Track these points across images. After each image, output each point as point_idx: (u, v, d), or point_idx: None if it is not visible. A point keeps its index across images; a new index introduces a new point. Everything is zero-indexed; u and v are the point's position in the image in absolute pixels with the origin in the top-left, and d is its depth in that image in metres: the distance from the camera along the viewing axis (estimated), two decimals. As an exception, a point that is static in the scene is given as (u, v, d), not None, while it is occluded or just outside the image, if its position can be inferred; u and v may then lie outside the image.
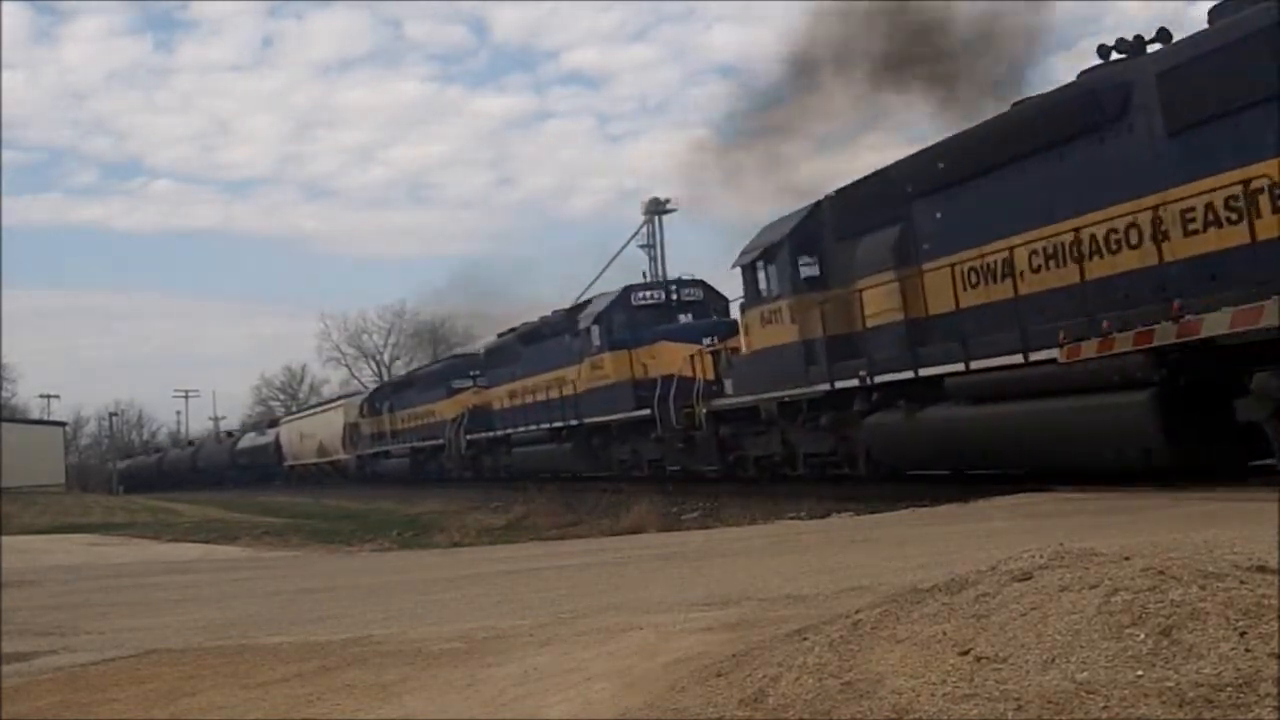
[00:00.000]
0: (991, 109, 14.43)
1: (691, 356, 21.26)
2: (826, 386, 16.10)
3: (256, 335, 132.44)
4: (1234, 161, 9.99)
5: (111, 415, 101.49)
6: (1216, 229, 10.25)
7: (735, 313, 24.25)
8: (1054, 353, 11.48)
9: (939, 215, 14.15)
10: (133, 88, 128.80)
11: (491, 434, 32.88)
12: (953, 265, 13.63)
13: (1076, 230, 11.77)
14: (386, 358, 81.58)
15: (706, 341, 21.81)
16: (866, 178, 16.02)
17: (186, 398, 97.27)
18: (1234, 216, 10.03)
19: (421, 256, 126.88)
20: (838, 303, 16.03)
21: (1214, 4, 10.99)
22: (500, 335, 34.22)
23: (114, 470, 77.94)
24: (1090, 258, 11.68)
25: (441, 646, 5.59)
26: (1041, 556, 3.78)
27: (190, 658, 6.00)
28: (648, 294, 25.51)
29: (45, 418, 75.56)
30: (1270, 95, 9.63)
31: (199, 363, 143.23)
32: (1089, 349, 11.15)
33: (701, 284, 25.46)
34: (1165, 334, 10.25)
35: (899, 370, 14.48)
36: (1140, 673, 2.94)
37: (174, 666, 5.75)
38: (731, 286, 23.70)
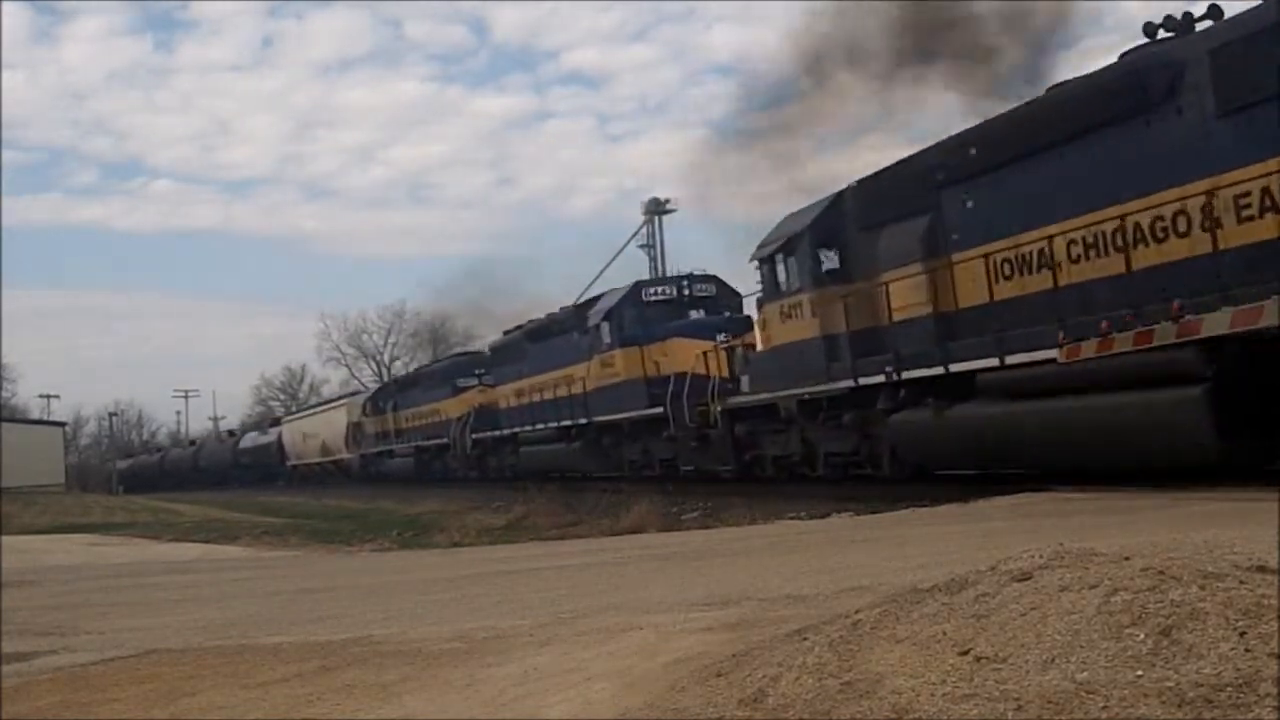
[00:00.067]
0: (1018, 93, 14.04)
1: (705, 353, 20.84)
2: (850, 383, 15.52)
3: (256, 335, 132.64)
4: None
5: (111, 415, 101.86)
6: (1275, 215, 9.74)
7: (748, 308, 23.94)
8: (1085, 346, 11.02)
9: (970, 204, 13.57)
10: (133, 88, 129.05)
11: (498, 433, 32.49)
12: (986, 256, 13.05)
13: (1122, 218, 11.21)
14: (386, 358, 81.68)
15: (720, 338, 21.38)
16: (891, 166, 15.46)
17: (186, 398, 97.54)
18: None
19: (421, 256, 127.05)
20: (862, 296, 15.43)
21: None
22: (506, 333, 33.77)
23: (114, 470, 77.97)
24: (1135, 247, 11.14)
25: (441, 646, 5.59)
26: (1041, 556, 3.78)
27: (190, 658, 6.00)
28: (659, 290, 25.00)
29: (45, 418, 75.66)
30: None
31: (199, 363, 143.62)
32: (1089, 349, 11.14)
33: (714, 279, 24.94)
34: (1165, 334, 10.23)
35: (928, 366, 13.88)
36: (1140, 673, 2.94)
37: (174, 666, 5.75)
38: (738, 284, 23.63)
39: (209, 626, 7.30)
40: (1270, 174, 9.72)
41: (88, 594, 10.67)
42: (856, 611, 3.95)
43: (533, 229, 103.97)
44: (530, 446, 29.93)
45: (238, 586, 10.73)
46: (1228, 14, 10.93)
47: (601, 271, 50.76)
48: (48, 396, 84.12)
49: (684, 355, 21.91)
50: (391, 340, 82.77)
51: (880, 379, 14.81)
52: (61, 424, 75.05)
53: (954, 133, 14.36)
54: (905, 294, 14.50)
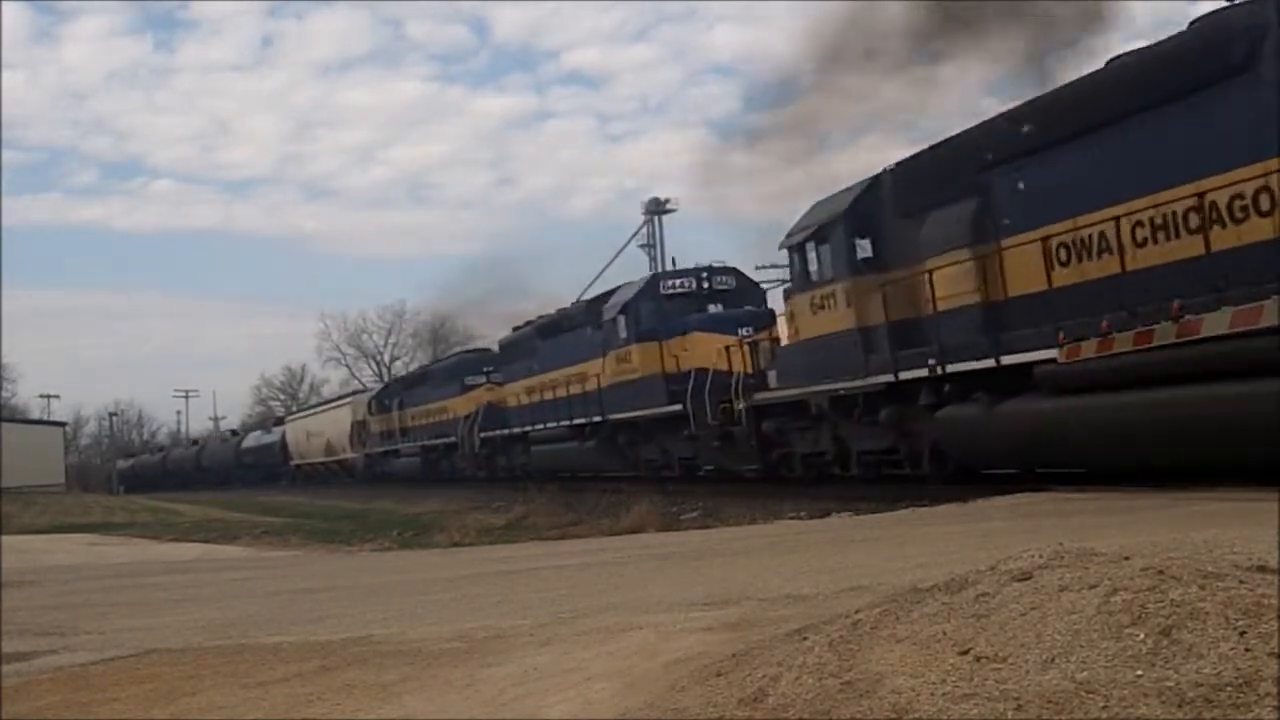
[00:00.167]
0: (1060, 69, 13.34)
1: (728, 348, 20.02)
2: (889, 377, 14.61)
3: (256, 335, 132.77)
4: None
5: (111, 415, 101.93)
6: None
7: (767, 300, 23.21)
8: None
9: (1022, 185, 12.67)
10: (133, 88, 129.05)
11: (507, 432, 31.77)
12: (1043, 240, 12.14)
13: (1200, 196, 10.32)
14: (386, 358, 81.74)
15: (743, 332, 20.51)
16: (933, 147, 14.64)
17: (186, 398, 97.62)
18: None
19: (421, 256, 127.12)
20: (901, 285, 14.55)
21: None
22: (516, 329, 32.87)
23: (114, 470, 77.96)
24: (1212, 228, 10.26)
25: (441, 646, 5.59)
26: (1041, 556, 3.78)
27: (190, 657, 6.00)
28: (677, 282, 23.71)
29: (45, 418, 75.74)
30: None
31: (199, 363, 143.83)
32: (1089, 349, 11.12)
33: (734, 271, 24.02)
34: (1165, 334, 10.22)
35: (977, 358, 12.96)
36: (1140, 672, 2.94)
37: (174, 666, 5.75)
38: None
39: (209, 626, 7.30)
40: None
41: (88, 594, 10.67)
42: (856, 611, 3.95)
43: (533, 229, 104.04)
44: (542, 446, 29.21)
45: (238, 586, 10.73)
46: None
47: (602, 271, 50.88)
48: (48, 396, 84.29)
49: (705, 350, 21.05)
50: (391, 340, 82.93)
51: (923, 372, 13.98)
52: (61, 424, 75.19)
53: (1001, 111, 13.56)
54: (950, 282, 13.55)
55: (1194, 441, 10.20)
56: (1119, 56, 12.09)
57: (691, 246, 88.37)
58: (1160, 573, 3.38)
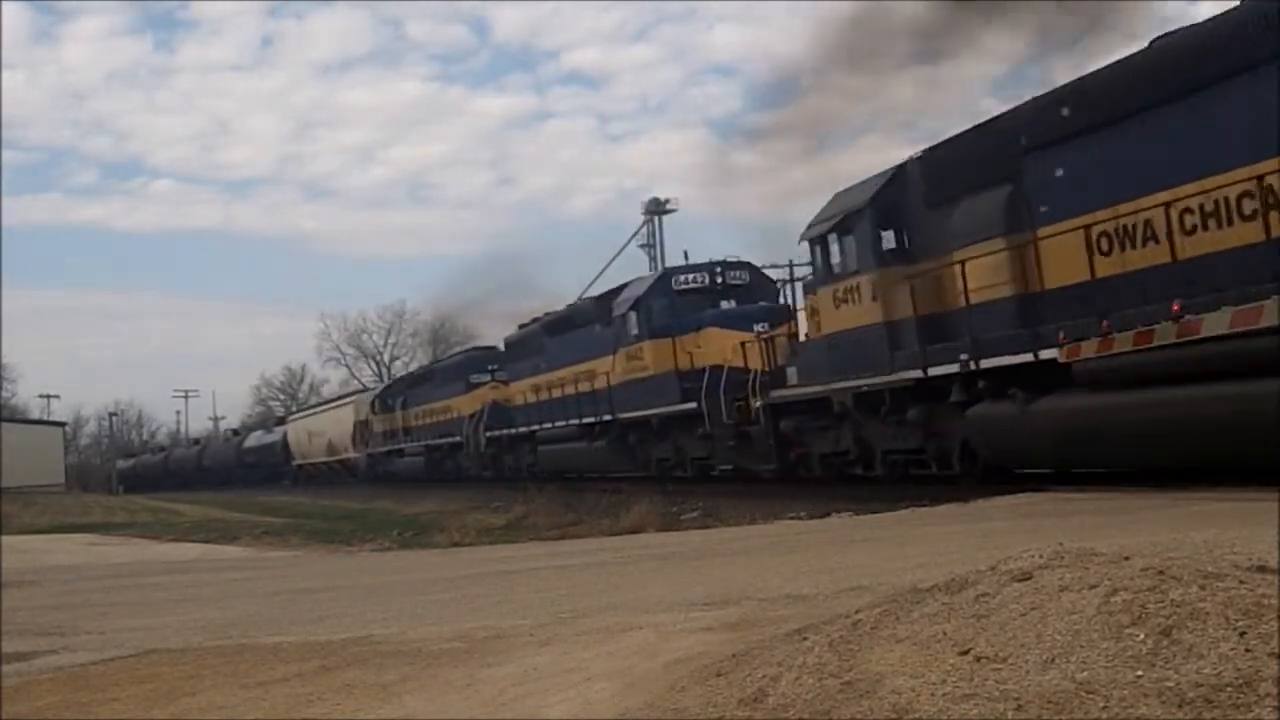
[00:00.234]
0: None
1: (743, 344, 19.39)
2: (918, 373, 14.07)
3: (256, 335, 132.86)
4: None
5: (111, 415, 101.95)
6: None
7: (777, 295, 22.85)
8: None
9: (1061, 171, 12.08)
10: (133, 88, 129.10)
11: (513, 431, 31.21)
12: (1086, 228, 11.52)
13: (1259, 179, 9.76)
14: (386, 358, 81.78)
15: (758, 328, 19.91)
16: (963, 134, 14.06)
17: (186, 398, 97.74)
18: None
19: (421, 256, 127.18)
20: (930, 277, 14.02)
21: None
22: (522, 326, 32.21)
23: (114, 470, 77.94)
24: (1274, 212, 9.71)
25: (441, 646, 5.59)
26: (1041, 556, 3.78)
27: (190, 657, 6.00)
28: (690, 277, 23.00)
29: (45, 418, 75.78)
30: None
31: (199, 363, 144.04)
32: (1089, 349, 11.11)
33: (748, 266, 23.36)
34: (1165, 334, 10.21)
35: (1013, 352, 12.37)
36: (1140, 673, 2.94)
37: (174, 666, 5.75)
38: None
39: (209, 626, 7.30)
40: None
41: (88, 594, 10.67)
42: (856, 611, 3.95)
43: (533, 229, 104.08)
44: (549, 445, 28.76)
45: (238, 586, 10.73)
46: None
47: (602, 271, 50.85)
48: (48, 396, 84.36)
49: (719, 346, 20.50)
50: (391, 340, 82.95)
51: (954, 368, 13.39)
52: (61, 424, 75.23)
53: (1038, 94, 12.98)
54: (983, 273, 12.97)
55: (1255, 438, 9.54)
56: (1163, 36, 11.54)
57: (692, 246, 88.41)
58: (1160, 573, 3.38)
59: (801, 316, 18.53)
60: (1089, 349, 11.05)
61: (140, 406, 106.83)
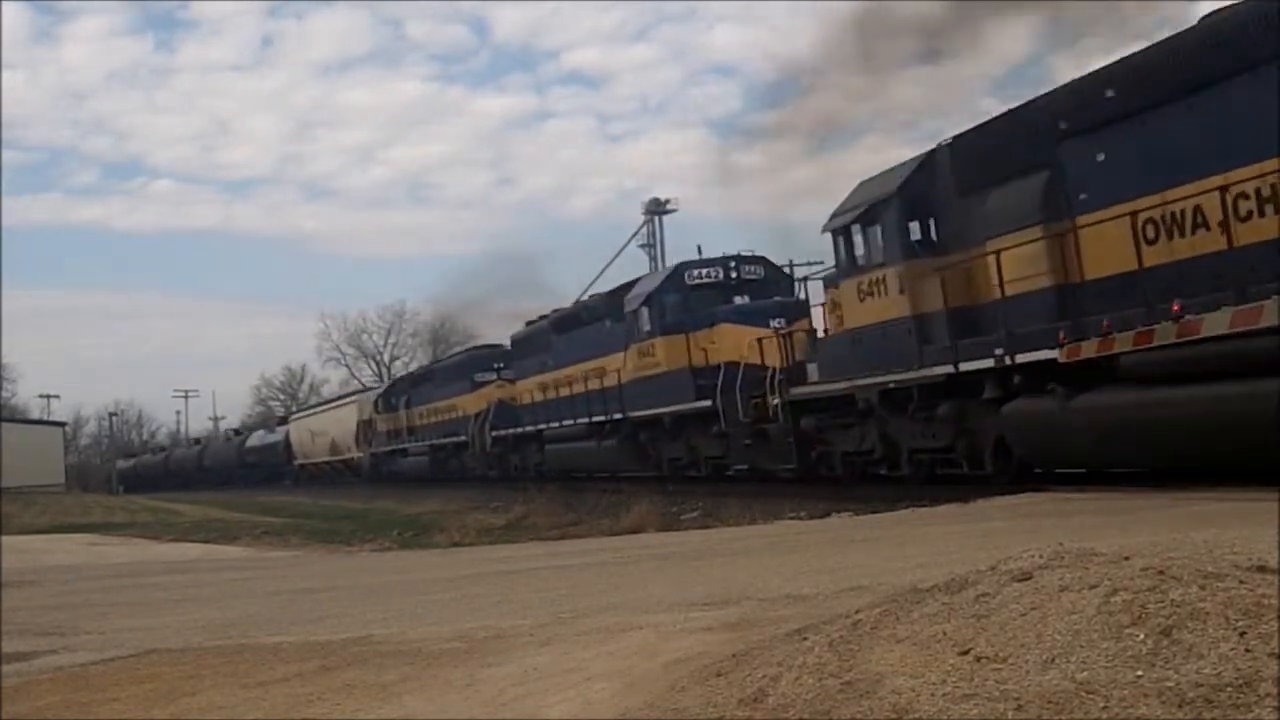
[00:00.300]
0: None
1: (760, 340, 18.76)
2: (949, 368, 13.51)
3: (256, 335, 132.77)
4: None
5: (111, 415, 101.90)
6: None
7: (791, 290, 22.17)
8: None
9: (1101, 156, 11.55)
10: (133, 88, 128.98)
11: (520, 430, 30.60)
12: (1132, 214, 10.94)
13: None
14: (386, 358, 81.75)
15: (775, 324, 19.24)
16: (996, 119, 13.53)
17: (186, 398, 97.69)
18: None
19: (421, 256, 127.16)
20: (962, 268, 13.47)
21: None
22: (529, 323, 31.44)
23: (114, 470, 77.91)
24: None
25: (441, 646, 5.59)
26: (1041, 556, 3.78)
27: (190, 657, 6.00)
28: (704, 272, 22.24)
29: (45, 418, 75.75)
30: None
31: (199, 363, 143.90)
32: (1089, 349, 11.10)
33: (762, 260, 22.67)
34: (1165, 334, 10.20)
35: (1051, 346, 11.69)
36: (1140, 673, 2.94)
37: (174, 666, 5.75)
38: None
39: (209, 626, 7.30)
40: None
41: (88, 594, 10.67)
42: (856, 611, 3.95)
43: (533, 229, 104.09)
44: (557, 444, 28.16)
45: (238, 586, 10.73)
46: None
47: (602, 271, 50.88)
48: (48, 396, 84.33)
49: (735, 342, 19.88)
50: (391, 340, 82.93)
51: (989, 363, 12.81)
52: (61, 424, 75.19)
53: (1076, 76, 12.47)
54: (1019, 264, 12.39)
55: None
56: (1213, 14, 10.94)
57: (693, 247, 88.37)
58: (1160, 573, 3.38)
59: (818, 311, 17.68)
60: (1089, 349, 11.04)
61: (140, 406, 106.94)
